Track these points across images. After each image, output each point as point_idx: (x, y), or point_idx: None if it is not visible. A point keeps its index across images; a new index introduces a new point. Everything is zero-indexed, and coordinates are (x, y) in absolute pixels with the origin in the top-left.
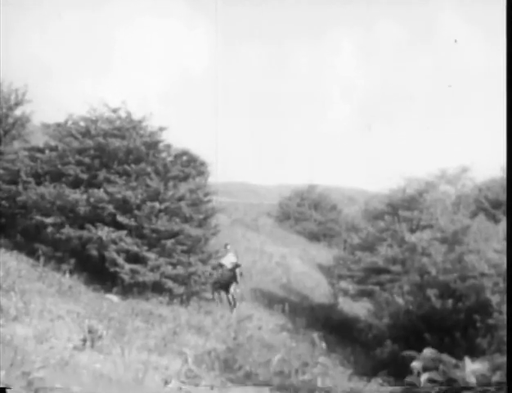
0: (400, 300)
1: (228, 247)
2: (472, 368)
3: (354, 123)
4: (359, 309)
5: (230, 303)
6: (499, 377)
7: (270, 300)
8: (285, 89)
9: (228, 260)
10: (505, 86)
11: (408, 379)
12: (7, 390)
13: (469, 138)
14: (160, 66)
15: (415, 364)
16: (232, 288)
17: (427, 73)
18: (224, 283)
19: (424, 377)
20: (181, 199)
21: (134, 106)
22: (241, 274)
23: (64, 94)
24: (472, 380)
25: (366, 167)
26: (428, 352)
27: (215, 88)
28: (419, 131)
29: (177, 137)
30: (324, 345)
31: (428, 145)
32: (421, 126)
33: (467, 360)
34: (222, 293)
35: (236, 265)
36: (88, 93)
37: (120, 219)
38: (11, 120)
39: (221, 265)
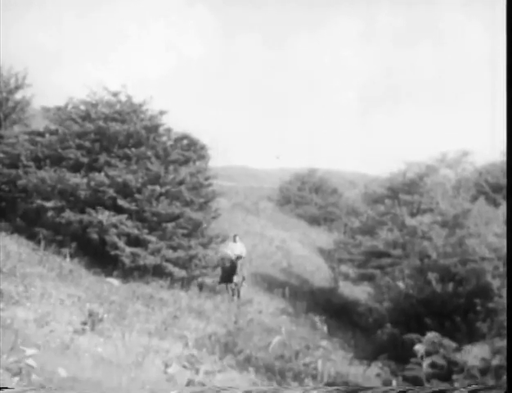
0: (401, 284)
1: (237, 239)
2: (475, 354)
3: (355, 107)
4: (359, 293)
5: (233, 294)
6: (498, 360)
7: (270, 284)
8: (286, 74)
9: (233, 252)
10: (506, 70)
11: (412, 362)
12: (10, 390)
13: (470, 123)
14: (159, 52)
15: (419, 348)
16: (235, 279)
17: (427, 59)
18: (227, 274)
19: (428, 361)
20: (181, 183)
21: (134, 90)
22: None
23: (64, 78)
24: (475, 363)
25: (366, 151)
26: (431, 336)
27: (215, 74)
28: (419, 115)
29: (177, 121)
30: (325, 328)
31: (428, 129)
32: (422, 111)
33: (472, 346)
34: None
35: (238, 257)
36: (88, 77)
37: (121, 202)
38: (11, 104)
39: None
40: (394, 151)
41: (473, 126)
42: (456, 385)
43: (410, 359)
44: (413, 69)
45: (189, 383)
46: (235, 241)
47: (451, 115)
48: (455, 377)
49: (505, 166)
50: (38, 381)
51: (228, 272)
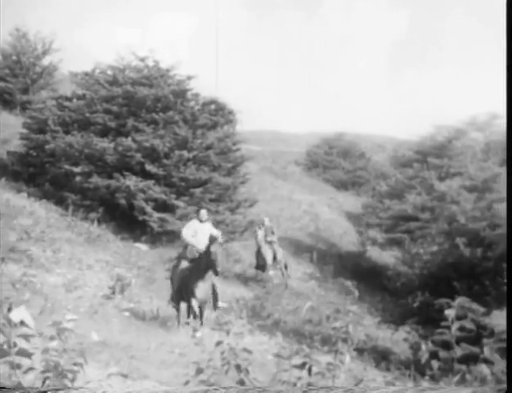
0: (433, 249)
1: (203, 213)
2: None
3: (384, 70)
4: (387, 257)
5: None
6: None
7: (298, 248)
8: (315, 38)
9: (199, 238)
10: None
11: (441, 327)
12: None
13: (500, 85)
14: (187, 14)
15: (449, 312)
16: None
17: (458, 20)
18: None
19: (456, 325)
20: (209, 147)
21: (162, 53)
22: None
23: (91, 43)
24: (505, 328)
25: (395, 114)
26: (461, 300)
27: (243, 37)
28: (448, 78)
29: (206, 86)
30: (357, 292)
31: (457, 92)
32: (451, 73)
33: (505, 311)
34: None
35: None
36: (115, 41)
37: (148, 167)
38: (38, 69)
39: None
40: (423, 114)
41: (505, 88)
42: (486, 349)
43: (440, 323)
44: (442, 29)
45: (218, 344)
46: (201, 219)
47: (481, 77)
48: (485, 341)
49: None
50: (72, 346)
51: (190, 275)
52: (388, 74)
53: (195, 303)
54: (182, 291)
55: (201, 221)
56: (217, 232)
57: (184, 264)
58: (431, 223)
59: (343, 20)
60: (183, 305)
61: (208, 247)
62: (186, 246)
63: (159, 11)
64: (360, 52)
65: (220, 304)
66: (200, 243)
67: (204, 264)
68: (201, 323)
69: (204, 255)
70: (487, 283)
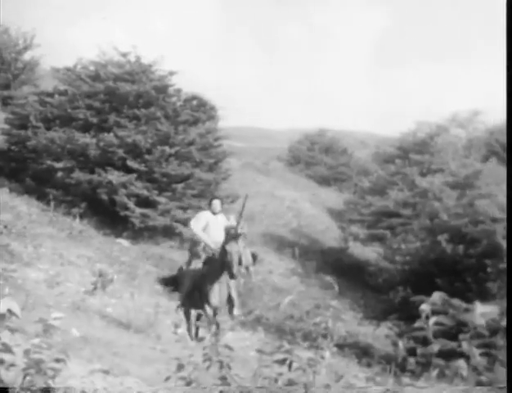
0: (415, 245)
1: (217, 203)
2: (482, 312)
3: (366, 67)
4: (369, 253)
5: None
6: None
7: (280, 244)
8: (298, 34)
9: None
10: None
11: (417, 323)
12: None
13: (482, 82)
14: (167, 11)
15: (424, 307)
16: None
17: (441, 18)
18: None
19: (432, 320)
20: (191, 143)
21: (145, 49)
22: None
23: (73, 38)
24: (481, 322)
25: (377, 111)
26: (437, 296)
27: (227, 32)
28: (431, 75)
29: (190, 82)
30: (337, 287)
31: (440, 89)
32: (433, 70)
33: (477, 304)
34: None
35: (230, 236)
36: (98, 37)
37: (130, 163)
38: (20, 65)
39: None
40: (405, 111)
41: (486, 85)
42: (464, 344)
43: (417, 320)
44: (425, 27)
45: (200, 341)
46: (214, 211)
47: (463, 74)
48: (461, 336)
49: None
50: (54, 343)
51: (205, 277)
52: (371, 71)
53: (209, 310)
54: (195, 295)
55: (214, 213)
56: (233, 225)
57: (197, 263)
58: (413, 220)
59: (327, 18)
60: (193, 312)
61: (223, 245)
62: (195, 242)
63: (152, 10)
64: (343, 51)
65: (236, 311)
66: (213, 239)
67: (219, 264)
68: (218, 327)
69: (220, 254)
70: (469, 280)
